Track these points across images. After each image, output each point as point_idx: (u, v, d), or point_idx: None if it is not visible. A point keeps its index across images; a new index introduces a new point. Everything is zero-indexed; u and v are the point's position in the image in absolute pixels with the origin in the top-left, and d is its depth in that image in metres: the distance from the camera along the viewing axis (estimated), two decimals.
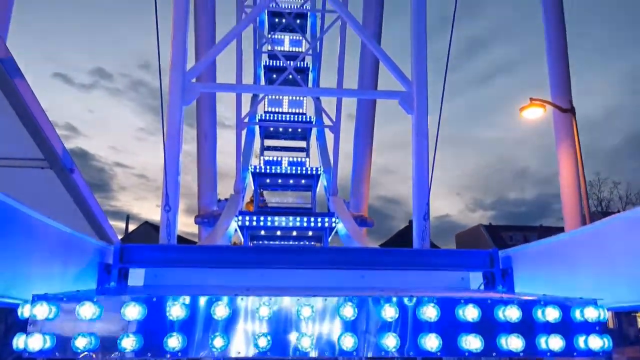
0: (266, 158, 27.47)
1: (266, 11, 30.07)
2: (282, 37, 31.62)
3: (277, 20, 31.37)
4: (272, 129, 29.50)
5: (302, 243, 24.93)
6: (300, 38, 31.56)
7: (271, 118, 28.43)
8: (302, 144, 31.63)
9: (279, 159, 26.92)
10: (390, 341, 3.86)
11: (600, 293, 4.32)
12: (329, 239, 21.88)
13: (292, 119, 28.51)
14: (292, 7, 31.36)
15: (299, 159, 27.35)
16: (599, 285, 4.69)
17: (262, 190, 27.48)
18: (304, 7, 31.27)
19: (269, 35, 30.99)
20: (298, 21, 31.44)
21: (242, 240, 21.41)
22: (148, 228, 58.22)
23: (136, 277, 6.02)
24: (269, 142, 31.31)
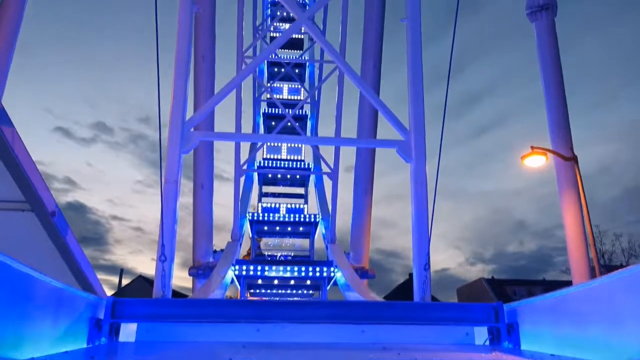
0: (264, 205, 27.37)
1: (266, 61, 30.76)
2: (281, 85, 32.23)
3: (276, 69, 32.07)
4: (270, 175, 29.57)
5: (300, 292, 24.46)
6: (299, 86, 32.16)
7: (270, 165, 28.56)
8: (301, 190, 31.65)
9: (277, 205, 26.83)
10: None
11: (610, 352, 4.12)
12: (328, 288, 21.46)
13: (290, 165, 28.63)
14: (291, 57, 32.12)
15: (298, 206, 27.25)
16: (609, 344, 4.48)
17: (259, 237, 27.21)
18: (303, 57, 32.03)
19: (268, 84, 31.57)
20: (297, 70, 32.14)
21: (239, 289, 20.98)
22: (142, 282, 57.34)
23: (128, 332, 5.80)
24: (267, 189, 31.31)
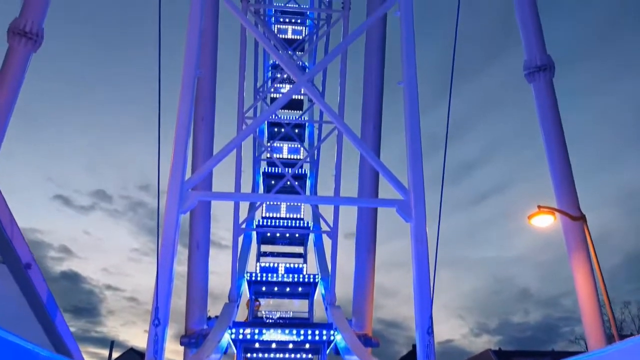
0: (262, 264, 26.92)
1: (266, 121, 31.29)
2: (281, 145, 32.60)
3: (276, 129, 32.55)
4: (269, 234, 29.30)
5: (299, 356, 23.56)
6: (299, 146, 32.54)
7: (269, 224, 28.36)
8: (300, 249, 31.27)
9: (276, 265, 26.39)
10: None
11: None
12: (327, 352, 20.68)
13: (289, 224, 28.45)
14: (291, 117, 32.71)
15: (296, 265, 26.80)
16: None
17: (257, 298, 26.55)
18: (302, 117, 32.62)
19: (268, 144, 31.95)
20: (296, 130, 32.61)
21: (235, 354, 20.19)
22: (133, 355, 55.17)
23: None
24: (265, 248, 30.93)
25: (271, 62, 33.02)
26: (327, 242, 26.53)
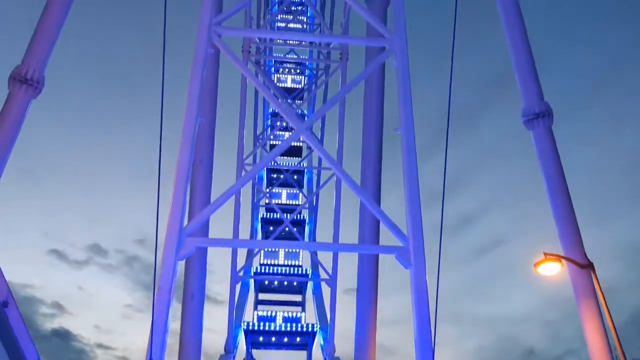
0: (260, 313, 26.33)
1: (265, 168, 31.46)
2: (280, 191, 32.65)
3: (275, 176, 32.68)
4: (267, 282, 28.84)
5: None
6: (298, 192, 32.59)
7: (267, 271, 27.97)
8: (298, 297, 30.67)
9: (274, 314, 25.83)
10: None
11: None
12: None
13: (288, 271, 28.07)
14: (290, 164, 32.92)
15: (295, 314, 26.23)
16: None
17: (254, 349, 25.82)
18: (301, 164, 32.85)
19: (267, 190, 32.01)
20: (295, 177, 32.75)
21: None
22: None
23: None
24: (263, 296, 30.31)
25: (271, 110, 33.59)
26: (326, 290, 26.12)
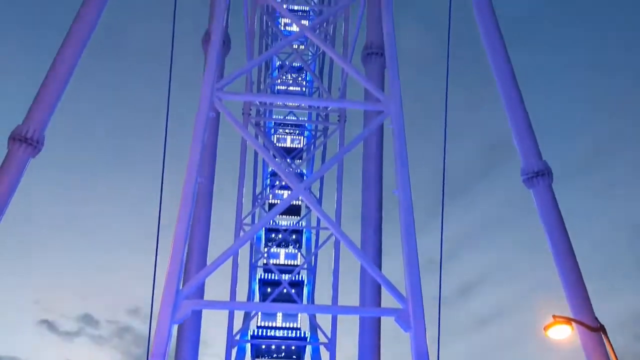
0: None
1: (263, 228, 31.26)
2: (278, 251, 32.31)
3: (273, 235, 32.45)
4: (264, 346, 27.92)
5: None
6: (296, 251, 32.23)
7: (264, 334, 27.16)
8: None
9: None
10: None
11: None
12: None
13: (285, 334, 27.26)
14: (289, 223, 32.80)
15: None
16: None
17: None
18: (300, 223, 32.70)
19: (265, 249, 31.66)
20: (294, 236, 32.49)
21: None
22: None
23: None
24: None
25: (270, 170, 33.86)
26: (325, 354, 25.19)
